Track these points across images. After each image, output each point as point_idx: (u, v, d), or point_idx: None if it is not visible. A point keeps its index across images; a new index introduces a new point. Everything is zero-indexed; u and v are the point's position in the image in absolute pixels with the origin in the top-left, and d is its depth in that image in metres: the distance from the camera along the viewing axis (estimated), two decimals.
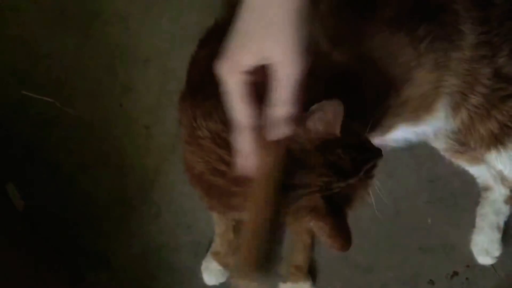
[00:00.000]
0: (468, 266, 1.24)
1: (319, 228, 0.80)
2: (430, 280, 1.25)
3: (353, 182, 0.84)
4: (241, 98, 0.65)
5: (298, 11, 0.63)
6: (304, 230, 1.23)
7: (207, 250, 1.28)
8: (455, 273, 1.25)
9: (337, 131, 0.80)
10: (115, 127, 1.36)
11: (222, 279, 1.28)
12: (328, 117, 0.77)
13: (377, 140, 1.14)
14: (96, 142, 1.36)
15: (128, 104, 1.36)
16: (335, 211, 0.83)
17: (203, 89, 0.99)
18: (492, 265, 1.23)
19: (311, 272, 1.27)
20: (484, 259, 1.21)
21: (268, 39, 0.63)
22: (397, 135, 1.14)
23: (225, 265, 1.27)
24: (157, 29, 1.37)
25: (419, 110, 1.07)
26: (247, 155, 0.68)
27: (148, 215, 1.33)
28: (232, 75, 0.65)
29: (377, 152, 0.90)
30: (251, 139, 0.67)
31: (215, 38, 1.05)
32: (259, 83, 0.66)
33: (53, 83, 1.38)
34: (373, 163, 0.89)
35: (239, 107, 0.65)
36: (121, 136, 1.36)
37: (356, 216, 1.26)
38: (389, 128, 1.10)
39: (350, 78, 1.01)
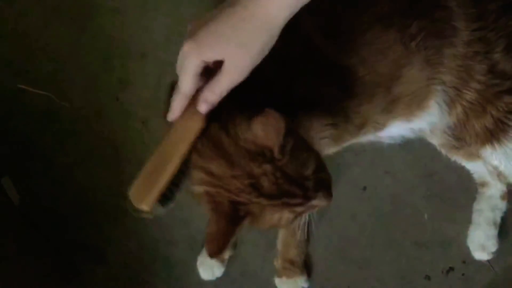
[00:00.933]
0: (464, 261, 1.24)
1: (209, 221, 0.85)
2: (426, 275, 1.25)
3: (266, 204, 0.84)
4: (190, 75, 0.78)
5: (272, 30, 0.76)
6: (298, 226, 1.23)
7: (203, 245, 1.28)
8: (451, 269, 1.24)
9: (274, 147, 0.81)
10: (111, 121, 1.35)
11: (218, 274, 1.28)
12: (268, 128, 0.80)
13: (372, 137, 1.14)
14: (92, 136, 1.36)
15: (125, 98, 1.36)
16: (232, 219, 0.84)
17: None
18: (488, 260, 1.22)
19: (307, 267, 1.27)
20: (481, 255, 1.21)
21: (233, 46, 0.76)
22: (393, 131, 1.14)
23: (221, 260, 1.27)
24: (153, 23, 1.36)
25: (412, 106, 1.07)
26: (176, 113, 0.82)
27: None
28: (193, 57, 0.77)
29: (308, 197, 0.87)
30: (183, 103, 0.81)
31: None
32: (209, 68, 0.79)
33: (49, 77, 1.38)
34: (298, 202, 0.86)
35: (185, 80, 0.79)
36: (117, 130, 1.35)
37: (352, 211, 1.28)
38: (383, 125, 1.10)
39: (339, 73, 1.01)
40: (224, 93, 0.80)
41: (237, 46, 0.75)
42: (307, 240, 1.26)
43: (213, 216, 0.85)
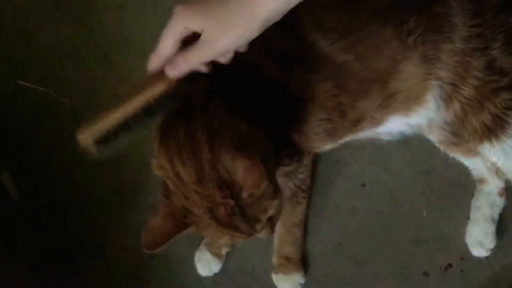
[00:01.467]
0: (462, 258, 1.24)
1: (157, 213, 0.91)
2: (425, 272, 1.25)
3: (214, 227, 0.89)
4: (169, 36, 0.79)
5: (253, 19, 0.75)
6: (294, 224, 1.23)
7: (201, 242, 1.28)
8: (450, 265, 1.24)
9: (246, 191, 0.86)
10: None
11: (215, 270, 1.28)
12: (249, 175, 0.83)
13: (370, 133, 1.14)
14: None
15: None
16: (179, 224, 0.90)
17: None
18: (486, 257, 1.22)
19: (304, 263, 1.27)
20: (479, 251, 1.20)
21: (212, 21, 0.76)
22: (391, 127, 1.14)
23: (218, 256, 1.28)
24: (152, 19, 1.36)
25: (409, 102, 1.07)
26: (150, 70, 0.84)
27: (143, 206, 1.33)
28: (177, 21, 0.78)
29: (252, 234, 0.92)
30: (158, 62, 0.83)
31: None
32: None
33: (48, 73, 1.38)
34: (242, 237, 0.92)
35: (164, 40, 0.80)
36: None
37: (351, 208, 1.28)
38: (380, 120, 1.10)
39: (334, 69, 1.02)
40: (194, 65, 0.80)
41: (216, 23, 0.76)
42: (303, 237, 1.26)
43: (162, 210, 0.89)
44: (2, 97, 1.39)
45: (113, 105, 0.83)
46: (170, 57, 0.81)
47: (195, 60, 0.80)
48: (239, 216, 0.88)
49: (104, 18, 1.38)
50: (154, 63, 0.83)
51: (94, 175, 1.35)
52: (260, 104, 1.00)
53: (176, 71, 0.81)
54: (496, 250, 1.21)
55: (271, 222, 0.95)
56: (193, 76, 0.83)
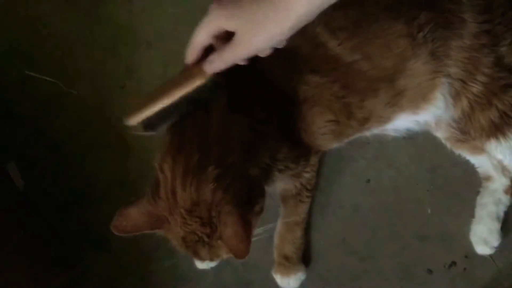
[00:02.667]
0: (466, 256, 1.23)
1: (139, 201, 0.95)
2: (428, 269, 1.24)
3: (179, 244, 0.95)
4: (202, 31, 0.82)
5: (283, 21, 0.76)
6: (296, 222, 1.23)
7: None
8: (453, 263, 1.24)
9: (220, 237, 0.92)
10: (117, 109, 1.36)
11: (212, 264, 1.27)
12: (232, 239, 0.88)
13: (376, 131, 1.14)
14: (98, 124, 1.37)
15: (131, 86, 1.37)
16: (154, 223, 0.94)
17: None
18: (490, 256, 1.22)
19: (307, 258, 1.27)
20: (483, 249, 1.20)
21: (245, 22, 0.78)
22: (398, 124, 1.14)
23: None
24: (161, 12, 1.37)
25: (417, 99, 1.07)
26: (188, 60, 0.88)
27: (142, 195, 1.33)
28: (212, 20, 0.80)
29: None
30: (193, 53, 0.86)
31: None
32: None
33: (57, 64, 1.39)
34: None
35: (198, 33, 0.83)
36: (123, 118, 1.35)
37: (356, 204, 1.28)
38: (387, 119, 1.10)
39: (341, 70, 1.01)
40: (228, 63, 0.84)
41: (250, 24, 0.78)
42: (304, 237, 1.25)
43: (143, 206, 0.93)
44: (11, 86, 1.40)
45: (157, 93, 0.89)
46: (203, 50, 0.85)
47: (230, 58, 0.83)
48: (205, 248, 0.93)
49: (112, 9, 1.39)
50: (190, 56, 0.87)
51: (99, 166, 1.36)
52: (269, 104, 1.01)
53: (212, 68, 0.85)
54: (500, 249, 1.20)
55: None
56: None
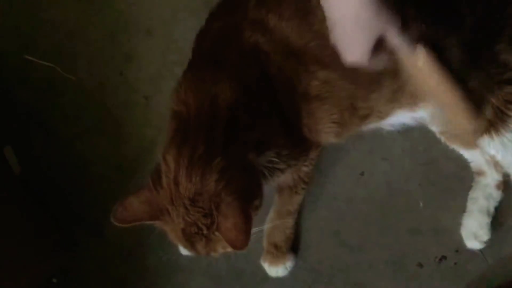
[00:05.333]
0: (457, 251, 1.24)
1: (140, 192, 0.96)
2: (419, 262, 1.25)
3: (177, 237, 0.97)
4: None
5: None
6: (288, 211, 1.23)
7: None
8: (444, 257, 1.25)
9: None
10: (114, 96, 1.37)
11: None
12: (231, 231, 0.90)
13: (372, 125, 1.14)
14: (95, 110, 1.37)
15: (129, 73, 1.37)
16: (152, 214, 0.96)
17: (213, 58, 1.01)
18: (480, 251, 1.23)
19: (298, 248, 1.28)
20: (472, 243, 1.21)
21: None
22: (395, 120, 1.15)
23: None
24: (161, 0, 1.37)
25: (417, 95, 1.07)
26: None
27: (143, 185, 1.33)
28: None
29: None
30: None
31: (226, 12, 1.06)
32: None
33: (56, 49, 1.39)
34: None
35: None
36: (120, 105, 1.36)
37: (349, 196, 1.28)
38: (386, 114, 1.10)
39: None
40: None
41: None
42: (295, 227, 1.26)
43: (144, 196, 0.94)
44: (9, 71, 1.40)
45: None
46: None
47: None
48: (203, 242, 0.93)
49: None
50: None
51: (96, 152, 1.36)
52: (275, 100, 1.01)
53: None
54: (491, 244, 1.21)
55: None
56: None
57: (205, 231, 0.92)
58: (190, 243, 0.94)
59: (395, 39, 0.81)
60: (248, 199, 0.93)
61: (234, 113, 0.95)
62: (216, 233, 0.92)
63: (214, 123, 0.94)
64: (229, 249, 0.94)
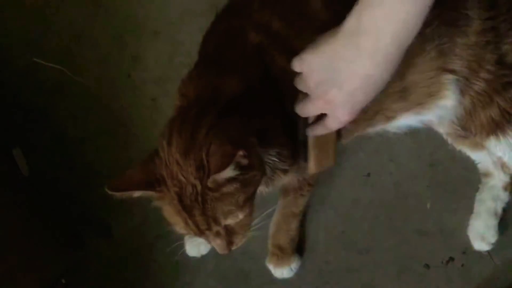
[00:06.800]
0: (464, 252, 1.24)
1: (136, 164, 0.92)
2: (426, 264, 1.25)
3: (175, 205, 0.90)
4: None
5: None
6: (292, 213, 1.23)
7: None
8: (451, 259, 1.25)
9: (211, 175, 0.87)
10: (122, 98, 1.37)
11: (204, 252, 1.28)
12: (217, 156, 0.85)
13: (379, 128, 1.14)
14: (103, 112, 1.38)
15: (136, 75, 1.38)
16: (147, 183, 0.90)
17: (218, 58, 1.01)
18: (488, 252, 1.22)
19: (305, 249, 1.28)
20: (480, 245, 1.20)
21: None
22: (401, 122, 1.15)
23: None
24: (167, 2, 1.38)
25: (424, 97, 1.06)
26: None
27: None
28: None
29: (205, 234, 0.93)
30: None
31: (231, 15, 1.07)
32: None
33: (64, 51, 1.40)
34: (194, 230, 0.92)
35: None
36: (127, 107, 1.37)
37: (356, 197, 1.28)
38: (393, 116, 1.10)
39: None
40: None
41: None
42: (299, 229, 1.25)
43: (140, 164, 0.91)
44: (17, 73, 1.41)
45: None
46: None
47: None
48: (200, 206, 0.89)
49: None
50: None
51: (103, 153, 1.37)
52: (277, 101, 1.01)
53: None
54: (498, 246, 1.21)
55: (231, 235, 0.94)
56: None
57: (199, 187, 0.87)
58: (188, 212, 0.89)
59: None
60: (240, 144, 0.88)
61: (236, 101, 0.93)
62: (208, 183, 0.87)
63: (213, 103, 0.93)
64: (232, 218, 0.91)
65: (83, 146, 1.38)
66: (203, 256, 1.29)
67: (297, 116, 0.93)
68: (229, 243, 0.94)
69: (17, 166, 1.37)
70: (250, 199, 0.92)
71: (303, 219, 1.26)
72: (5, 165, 1.35)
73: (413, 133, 1.22)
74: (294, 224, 1.24)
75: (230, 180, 0.87)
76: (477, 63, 1.03)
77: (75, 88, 1.39)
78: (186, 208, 0.89)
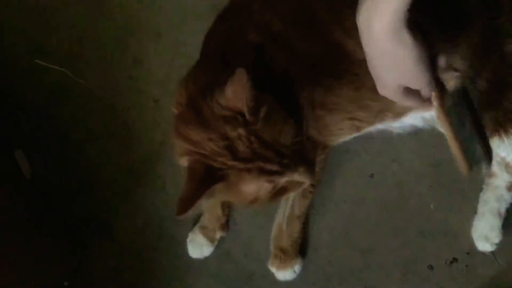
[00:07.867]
0: (468, 253, 1.24)
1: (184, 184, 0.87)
2: (430, 265, 1.25)
3: (241, 167, 0.86)
4: None
5: None
6: (295, 216, 1.23)
7: (195, 223, 1.30)
8: (455, 260, 1.24)
9: (244, 107, 0.84)
10: (124, 99, 1.37)
11: (206, 253, 1.28)
12: (236, 87, 0.83)
13: (382, 126, 1.14)
14: (105, 113, 1.38)
15: (138, 76, 1.38)
16: (203, 181, 0.86)
17: (219, 57, 1.01)
18: (492, 253, 1.22)
19: (308, 251, 1.28)
20: (484, 246, 1.19)
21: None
22: (405, 122, 1.14)
23: (211, 240, 1.28)
24: (169, 3, 1.38)
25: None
26: None
27: (153, 188, 1.34)
28: None
29: (285, 165, 0.88)
30: None
31: (232, 15, 1.07)
32: None
33: (66, 53, 1.40)
34: (274, 168, 0.88)
35: None
36: (129, 108, 1.37)
37: (359, 198, 1.28)
38: (400, 114, 1.10)
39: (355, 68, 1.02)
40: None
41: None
42: (302, 231, 1.25)
43: (187, 178, 0.88)
44: (19, 75, 1.41)
45: None
46: None
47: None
48: (258, 143, 0.85)
49: (122, 1, 1.40)
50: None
51: (105, 155, 1.37)
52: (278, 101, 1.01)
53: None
54: (502, 246, 1.20)
55: (303, 157, 0.90)
56: None
57: (243, 131, 0.84)
58: (258, 158, 0.85)
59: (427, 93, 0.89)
60: None
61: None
62: (248, 119, 0.85)
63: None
64: (286, 135, 0.89)
65: (85, 147, 1.38)
66: (206, 258, 1.29)
67: (296, 115, 0.94)
68: (310, 166, 0.92)
69: (19, 168, 1.38)
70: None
71: (306, 220, 1.26)
72: (7, 167, 1.35)
73: (415, 133, 1.22)
74: (296, 227, 1.23)
75: (258, 103, 0.85)
76: (480, 63, 1.03)
77: (77, 89, 1.39)
78: (253, 160, 0.86)
